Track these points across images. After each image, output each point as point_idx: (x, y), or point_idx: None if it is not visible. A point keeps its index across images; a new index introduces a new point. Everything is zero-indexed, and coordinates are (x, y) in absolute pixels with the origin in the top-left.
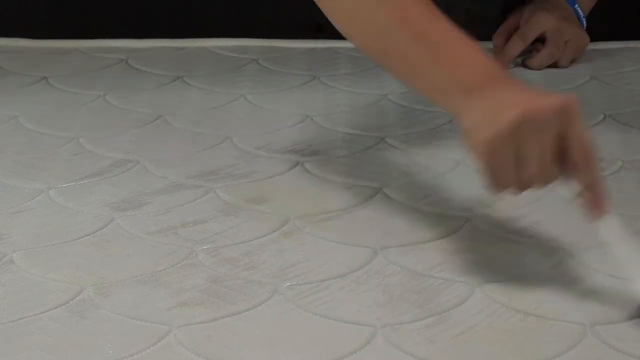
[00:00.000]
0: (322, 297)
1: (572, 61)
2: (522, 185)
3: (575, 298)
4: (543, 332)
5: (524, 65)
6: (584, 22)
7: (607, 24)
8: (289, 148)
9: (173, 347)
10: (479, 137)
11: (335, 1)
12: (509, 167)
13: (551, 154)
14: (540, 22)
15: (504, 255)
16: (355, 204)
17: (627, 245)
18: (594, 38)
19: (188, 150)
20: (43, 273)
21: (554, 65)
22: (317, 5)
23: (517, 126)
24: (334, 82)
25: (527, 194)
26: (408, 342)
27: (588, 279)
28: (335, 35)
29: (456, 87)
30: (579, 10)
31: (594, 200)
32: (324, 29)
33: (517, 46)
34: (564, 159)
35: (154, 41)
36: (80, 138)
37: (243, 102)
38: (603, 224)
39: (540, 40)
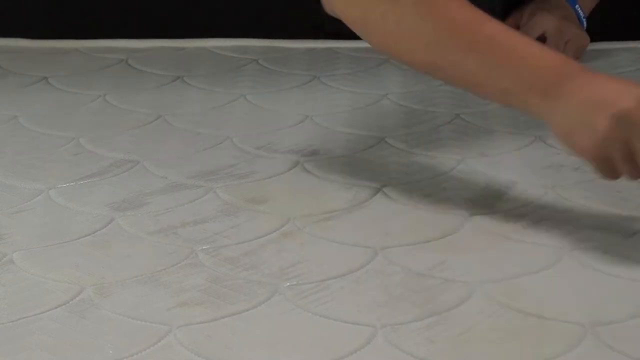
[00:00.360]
0: (322, 297)
1: None
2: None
3: (575, 298)
4: (543, 332)
5: None
6: (584, 23)
7: (607, 24)
8: (289, 148)
9: (173, 347)
10: (581, 145)
11: (375, 23)
12: (618, 164)
13: None
14: (541, 22)
15: (504, 255)
16: (355, 204)
17: None
18: (594, 38)
19: (188, 150)
20: (43, 273)
21: None
22: (319, 5)
23: (614, 131)
24: (334, 82)
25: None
26: (408, 342)
27: (588, 279)
28: (336, 35)
29: (528, 89)
30: (580, 11)
31: None
32: (329, 29)
33: None
34: None
35: (154, 41)
36: (80, 138)
37: (243, 102)
38: None
39: (541, 40)
